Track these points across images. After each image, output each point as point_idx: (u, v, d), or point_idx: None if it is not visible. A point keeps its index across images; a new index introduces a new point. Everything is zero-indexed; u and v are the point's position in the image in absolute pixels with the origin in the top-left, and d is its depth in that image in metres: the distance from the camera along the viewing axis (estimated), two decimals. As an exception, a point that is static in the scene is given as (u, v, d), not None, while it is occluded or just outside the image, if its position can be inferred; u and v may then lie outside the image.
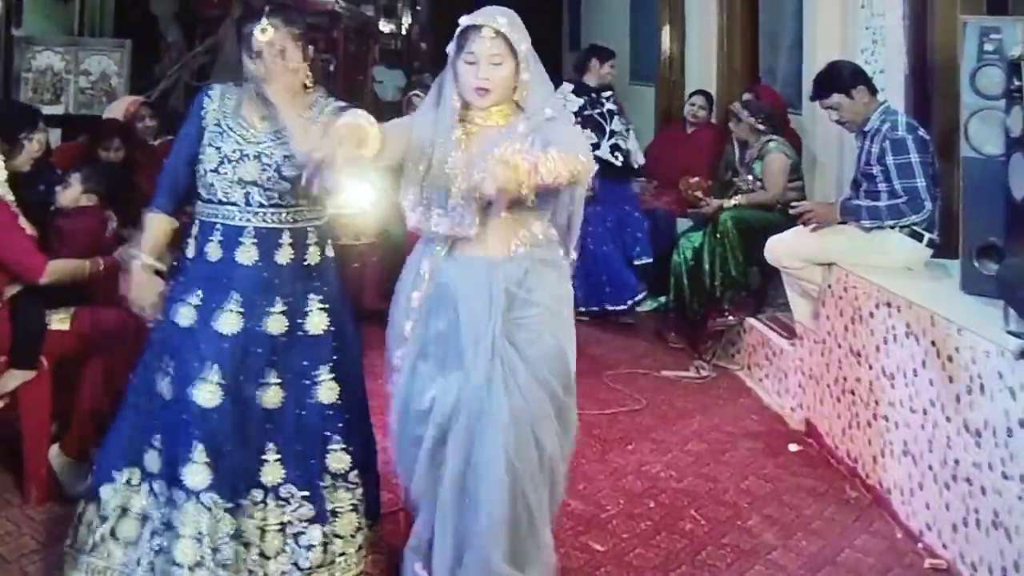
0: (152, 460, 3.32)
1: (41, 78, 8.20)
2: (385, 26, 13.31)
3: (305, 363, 3.39)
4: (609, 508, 4.20)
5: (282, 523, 3.34)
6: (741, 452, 4.85)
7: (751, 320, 5.91)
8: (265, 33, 3.28)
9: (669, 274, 6.39)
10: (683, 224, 6.98)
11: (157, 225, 3.44)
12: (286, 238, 3.37)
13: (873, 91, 4.92)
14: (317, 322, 3.41)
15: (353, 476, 3.46)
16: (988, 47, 4.05)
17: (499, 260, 3.14)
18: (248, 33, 3.31)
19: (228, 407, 3.26)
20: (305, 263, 3.41)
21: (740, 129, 6.49)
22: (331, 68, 11.87)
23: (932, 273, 4.64)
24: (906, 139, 4.65)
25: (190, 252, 3.42)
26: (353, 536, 3.46)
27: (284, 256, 3.36)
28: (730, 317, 6.01)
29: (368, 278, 6.74)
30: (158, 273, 3.46)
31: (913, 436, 4.04)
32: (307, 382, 3.38)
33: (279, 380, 3.35)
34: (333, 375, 3.43)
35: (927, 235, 4.68)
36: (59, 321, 4.14)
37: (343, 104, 3.43)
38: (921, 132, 4.72)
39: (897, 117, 4.78)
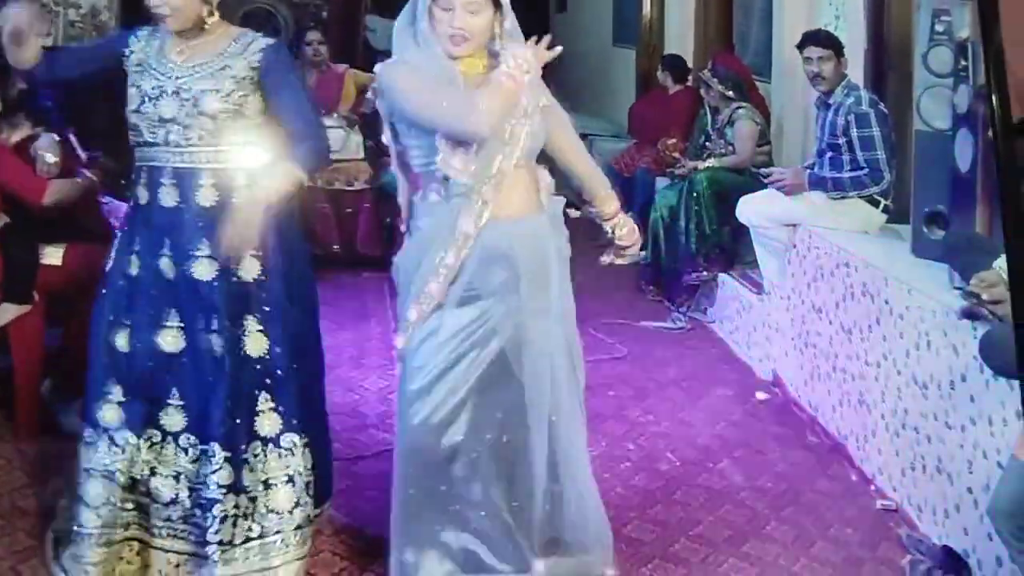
0: (110, 413, 3.09)
1: (28, 10, 7.83)
2: (378, -28, 13.17)
3: (237, 311, 3.06)
4: (591, 449, 4.11)
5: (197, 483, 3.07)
6: (713, 399, 4.96)
7: (723, 275, 5.99)
8: None
9: (647, 230, 6.48)
10: (662, 183, 7.05)
11: None
12: (207, 179, 3.04)
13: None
14: (249, 268, 3.08)
15: (286, 441, 3.09)
16: (939, 28, 4.12)
17: (539, 218, 2.97)
18: None
19: (190, 350, 3.05)
20: (233, 207, 3.02)
21: (711, 96, 6.53)
22: (323, 14, 11.75)
23: (886, 237, 4.73)
24: (869, 113, 4.74)
25: (131, 200, 3.20)
26: (291, 513, 3.09)
27: (206, 198, 3.04)
28: (704, 272, 6.11)
29: (362, 224, 6.80)
30: None
31: (867, 387, 4.15)
32: (238, 332, 3.05)
33: (217, 328, 3.05)
34: (261, 327, 3.07)
35: (883, 202, 4.77)
36: (51, 256, 4.05)
37: (272, 42, 3.13)
38: (881, 106, 4.81)
39: (860, 92, 4.86)
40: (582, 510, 3.07)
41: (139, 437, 3.08)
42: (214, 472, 3.01)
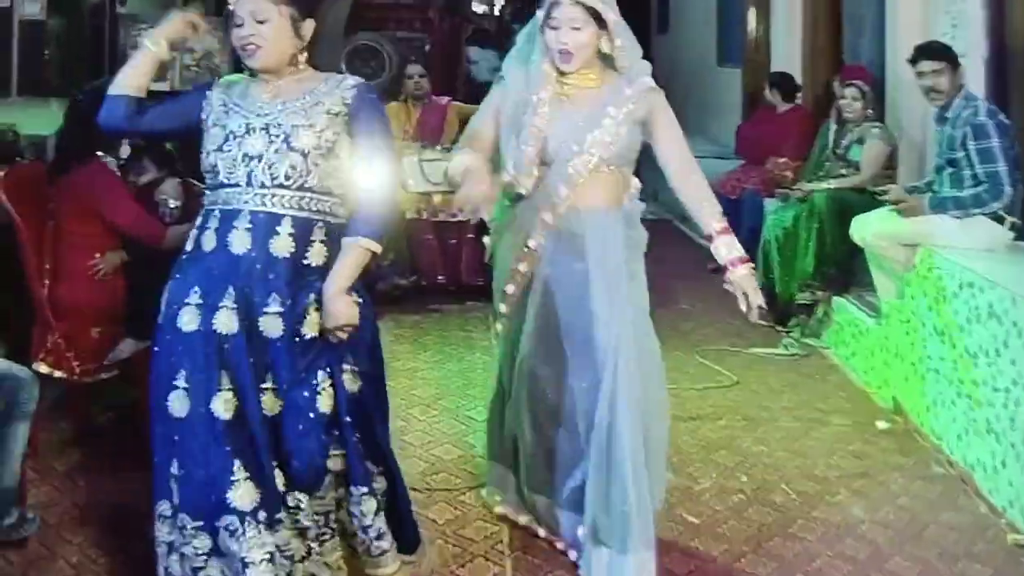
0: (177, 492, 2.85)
1: (146, 55, 8.01)
2: (478, 6, 13.26)
3: (305, 367, 2.86)
4: (702, 481, 4.15)
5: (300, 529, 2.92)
6: (830, 428, 4.76)
7: (838, 299, 5.77)
8: None
9: (758, 252, 6.26)
10: (770, 204, 6.84)
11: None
12: (286, 226, 2.83)
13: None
14: (313, 323, 2.85)
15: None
16: (1066, 32, 3.92)
17: (615, 211, 3.33)
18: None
19: (244, 415, 2.80)
20: (305, 262, 2.86)
21: (850, 110, 6.17)
22: (426, 48, 11.88)
23: (1013, 255, 4.50)
24: (987, 124, 4.52)
25: (189, 245, 2.94)
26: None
27: (281, 248, 2.83)
28: (819, 292, 5.89)
29: (466, 254, 6.74)
30: None
31: (996, 415, 3.92)
32: (311, 387, 2.87)
33: (274, 386, 2.84)
34: (330, 380, 2.89)
35: (1009, 219, 4.54)
36: None
37: (362, 81, 3.02)
38: (1001, 117, 4.57)
39: (978, 103, 4.63)
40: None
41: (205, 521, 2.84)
42: (304, 519, 2.92)
